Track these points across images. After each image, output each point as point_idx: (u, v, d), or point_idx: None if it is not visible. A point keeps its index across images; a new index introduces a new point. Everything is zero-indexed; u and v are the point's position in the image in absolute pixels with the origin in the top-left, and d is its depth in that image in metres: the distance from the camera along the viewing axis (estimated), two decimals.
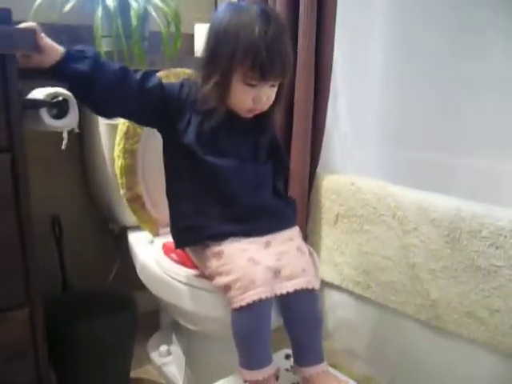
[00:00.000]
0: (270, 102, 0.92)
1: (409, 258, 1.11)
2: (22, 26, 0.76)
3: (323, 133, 1.32)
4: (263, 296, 0.80)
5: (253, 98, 0.88)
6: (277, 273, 0.84)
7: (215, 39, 0.88)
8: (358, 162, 1.47)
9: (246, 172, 0.93)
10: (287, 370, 0.95)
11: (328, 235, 1.33)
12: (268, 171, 0.98)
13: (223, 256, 0.86)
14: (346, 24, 1.38)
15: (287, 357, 1.01)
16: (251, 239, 0.89)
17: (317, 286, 0.87)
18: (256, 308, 0.81)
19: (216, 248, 0.88)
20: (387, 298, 1.18)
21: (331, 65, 1.27)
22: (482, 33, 1.60)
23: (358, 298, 1.28)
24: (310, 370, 0.87)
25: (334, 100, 1.36)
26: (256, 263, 0.84)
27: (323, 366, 0.87)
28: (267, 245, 0.90)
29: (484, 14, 1.59)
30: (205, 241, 0.90)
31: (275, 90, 0.91)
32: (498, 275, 0.96)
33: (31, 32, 0.74)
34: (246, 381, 0.85)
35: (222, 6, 0.91)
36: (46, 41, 0.79)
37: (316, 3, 1.21)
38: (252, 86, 0.87)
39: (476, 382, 1.04)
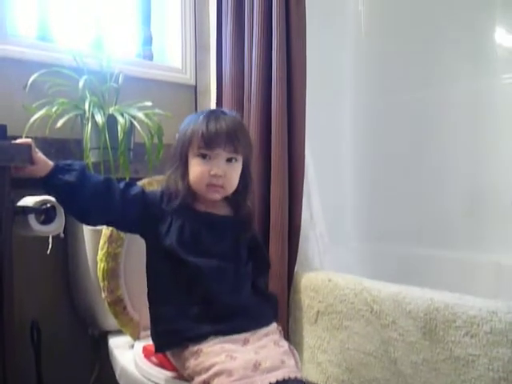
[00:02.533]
0: (232, 182, 0.97)
1: (390, 352, 1.12)
2: (19, 141, 0.83)
3: (299, 232, 1.37)
4: None
5: (209, 171, 0.94)
6: (257, 365, 0.84)
7: (175, 142, 1.00)
8: (335, 258, 1.52)
9: (226, 272, 0.95)
10: None
11: (309, 333, 1.32)
12: (248, 270, 1.01)
13: (201, 354, 0.86)
14: (316, 125, 1.50)
15: None
16: (229, 337, 0.90)
17: (299, 375, 0.87)
18: None
19: (195, 347, 0.88)
20: None
21: (303, 167, 1.36)
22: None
23: None
24: None
25: (308, 199, 1.43)
26: (233, 358, 0.84)
27: None
28: (245, 342, 0.91)
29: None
30: (184, 343, 0.90)
31: (234, 168, 0.97)
32: (476, 364, 0.97)
33: (26, 147, 0.81)
34: None
35: None
36: (39, 155, 0.86)
37: (286, 110, 1.34)
38: (204, 156, 0.94)
39: None
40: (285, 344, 0.94)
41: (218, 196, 0.97)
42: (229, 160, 0.96)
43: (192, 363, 0.87)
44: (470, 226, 1.67)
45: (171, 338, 0.92)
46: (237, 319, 0.93)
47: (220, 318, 0.92)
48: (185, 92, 1.69)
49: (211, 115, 0.97)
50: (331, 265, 1.45)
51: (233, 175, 0.97)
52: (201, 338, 0.89)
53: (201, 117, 0.97)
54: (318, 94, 1.54)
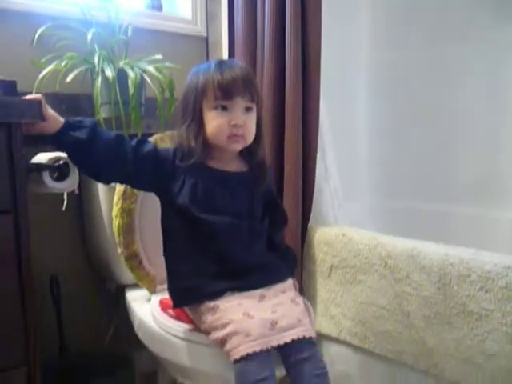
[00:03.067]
0: (251, 132, 0.95)
1: (403, 306, 1.13)
2: (28, 97, 0.82)
3: (313, 186, 1.36)
4: (257, 349, 0.82)
5: (229, 122, 0.91)
6: (273, 324, 0.85)
7: (183, 94, 0.97)
8: (349, 213, 1.51)
9: (241, 229, 0.95)
10: None
11: (323, 287, 1.34)
12: (263, 227, 1.01)
13: (218, 310, 0.88)
14: (331, 76, 1.46)
15: None
16: (245, 293, 0.91)
17: (313, 335, 0.88)
18: (253, 359, 0.81)
19: (211, 303, 0.89)
20: (384, 348, 1.18)
21: (318, 119, 1.33)
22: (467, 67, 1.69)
23: (357, 349, 1.27)
24: None
25: (323, 154, 1.41)
26: (251, 317, 0.85)
27: None
28: (261, 298, 0.92)
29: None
30: (201, 299, 0.92)
31: (252, 117, 0.95)
32: (490, 318, 0.97)
33: (37, 103, 0.80)
34: None
35: None
36: (49, 111, 0.85)
37: (301, 62, 1.29)
38: (223, 109, 0.92)
39: None
40: (301, 301, 0.95)
41: (239, 147, 0.95)
42: (246, 109, 0.94)
43: (209, 318, 0.89)
44: (486, 182, 1.64)
45: (188, 295, 0.94)
46: (252, 275, 0.94)
47: (236, 275, 0.93)
48: (196, 44, 1.64)
49: (222, 64, 0.94)
50: (345, 220, 1.44)
51: (252, 124, 0.95)
52: (217, 294, 0.90)
53: (212, 66, 0.93)
54: (334, 46, 1.48)
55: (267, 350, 0.83)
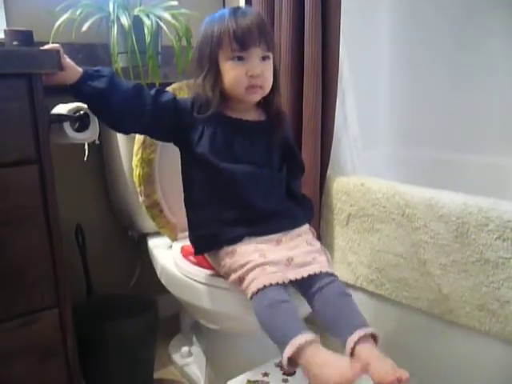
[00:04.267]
0: (269, 81, 0.94)
1: (419, 254, 1.14)
2: (47, 47, 0.82)
3: (332, 135, 1.35)
4: (273, 281, 0.83)
5: (246, 72, 0.91)
6: (289, 260, 0.88)
7: (198, 45, 0.95)
8: (368, 162, 1.51)
9: (260, 177, 0.96)
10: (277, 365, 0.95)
11: (340, 235, 1.36)
12: (281, 176, 1.02)
13: (236, 254, 0.91)
14: (352, 26, 1.41)
15: (277, 365, 1.02)
16: (262, 238, 0.93)
17: (331, 270, 0.91)
18: (269, 292, 0.83)
19: (229, 248, 0.92)
20: (400, 295, 1.21)
21: (338, 66, 1.30)
22: (489, 28, 1.62)
23: (373, 295, 1.30)
24: (356, 337, 0.78)
25: (342, 102, 1.39)
26: (267, 257, 0.88)
27: (369, 329, 0.79)
28: (278, 242, 0.94)
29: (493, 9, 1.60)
30: (221, 245, 0.94)
31: (269, 65, 0.94)
32: (507, 267, 0.98)
33: (56, 53, 0.80)
34: (290, 358, 0.75)
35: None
36: (67, 60, 0.85)
37: (320, 6, 1.25)
38: (239, 59, 0.91)
39: (490, 372, 1.06)
40: (317, 244, 0.97)
41: (257, 97, 0.95)
42: (263, 58, 0.93)
43: (228, 262, 0.91)
44: (508, 131, 1.60)
45: (208, 242, 0.96)
46: (270, 221, 0.96)
47: (253, 221, 0.95)
48: None
49: (236, 12, 0.91)
50: (363, 169, 1.44)
51: (269, 73, 0.94)
52: (236, 239, 0.93)
53: (226, 14, 0.91)
54: None
55: (283, 284, 0.85)
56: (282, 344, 0.77)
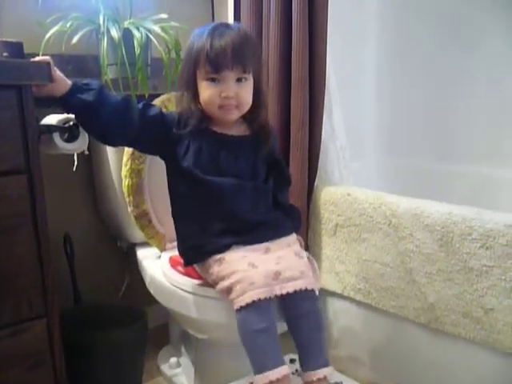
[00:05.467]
0: (245, 101, 0.96)
1: (406, 263, 1.16)
2: (37, 59, 0.83)
3: (320, 146, 1.37)
4: (262, 296, 0.85)
5: (219, 94, 0.92)
6: (277, 274, 0.89)
7: (182, 59, 0.98)
8: (355, 172, 1.53)
9: (245, 189, 0.97)
10: (293, 373, 0.99)
11: (328, 245, 1.37)
12: (268, 187, 1.03)
13: (224, 262, 0.92)
14: (339, 36, 1.44)
15: (292, 361, 1.06)
16: (251, 247, 0.94)
17: (316, 287, 0.92)
18: (255, 308, 0.85)
19: (217, 256, 0.93)
20: (387, 304, 1.22)
21: (325, 78, 1.32)
22: (480, 33, 1.65)
23: (360, 304, 1.31)
24: (315, 375, 0.89)
25: (329, 113, 1.41)
26: (255, 267, 0.89)
27: (328, 370, 0.89)
28: (266, 251, 0.95)
29: (480, 15, 1.64)
30: (209, 255, 0.95)
31: (245, 87, 0.95)
32: (490, 275, 1.00)
33: (46, 64, 0.81)
34: None
35: None
36: (57, 72, 0.86)
37: (307, 18, 1.27)
38: (213, 80, 0.92)
39: (476, 380, 1.07)
40: (304, 255, 0.98)
41: (233, 116, 0.96)
42: (239, 80, 0.94)
43: (216, 270, 0.92)
44: (492, 141, 1.64)
45: (196, 253, 0.97)
46: (258, 230, 0.97)
47: (241, 232, 0.96)
48: (201, 3, 1.61)
49: (215, 31, 0.92)
50: (351, 179, 1.46)
51: (245, 94, 0.95)
52: (223, 248, 0.94)
53: (205, 33, 0.92)
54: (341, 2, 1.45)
55: (268, 300, 0.87)
56: (256, 369, 0.86)
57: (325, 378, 0.89)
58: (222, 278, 0.90)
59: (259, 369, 0.85)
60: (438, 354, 1.14)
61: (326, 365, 0.90)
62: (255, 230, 0.97)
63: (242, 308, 0.86)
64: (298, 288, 0.89)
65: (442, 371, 1.14)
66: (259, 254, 0.94)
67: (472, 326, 1.04)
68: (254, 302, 0.85)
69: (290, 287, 0.88)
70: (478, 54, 1.65)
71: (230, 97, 0.93)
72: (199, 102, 0.96)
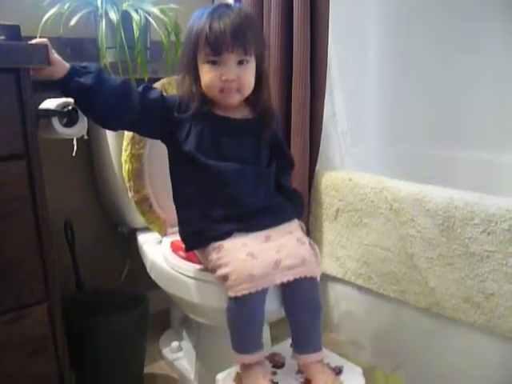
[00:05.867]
0: (247, 84, 0.94)
1: (407, 248, 1.16)
2: (34, 41, 0.81)
3: (321, 131, 1.37)
4: (257, 289, 0.85)
5: (220, 76, 0.91)
6: (277, 263, 0.88)
7: (183, 41, 0.96)
8: (356, 157, 1.52)
9: (247, 174, 0.96)
10: (292, 357, 0.99)
11: (329, 230, 1.37)
12: (270, 172, 1.02)
13: (222, 249, 0.91)
14: (341, 21, 1.42)
15: (292, 345, 1.06)
16: (251, 234, 0.93)
17: (316, 274, 0.92)
18: (249, 300, 0.86)
19: (217, 243, 0.92)
20: (388, 288, 1.22)
21: (326, 62, 1.32)
22: (478, 26, 1.64)
23: (361, 289, 1.32)
24: (305, 359, 0.91)
25: (331, 98, 1.40)
26: (255, 257, 0.88)
27: (318, 356, 0.91)
28: (267, 238, 0.94)
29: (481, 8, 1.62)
30: (210, 241, 0.94)
31: (247, 69, 0.93)
32: (491, 260, 1.00)
33: (43, 47, 0.79)
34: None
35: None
36: (55, 56, 0.84)
37: (309, 2, 1.25)
38: (213, 63, 0.90)
39: (476, 364, 1.08)
40: (306, 241, 0.97)
41: (234, 100, 0.95)
42: (240, 62, 0.92)
43: (214, 257, 0.92)
44: (495, 127, 1.62)
45: (197, 239, 0.97)
46: (259, 217, 0.96)
47: (242, 218, 0.95)
48: None
49: (214, 13, 0.90)
50: (352, 164, 1.46)
51: (246, 77, 0.93)
52: (224, 235, 0.93)
53: (204, 15, 0.90)
54: None
55: (261, 291, 0.87)
56: (234, 347, 0.91)
57: (317, 361, 0.91)
58: (220, 266, 0.90)
59: (237, 349, 0.91)
60: (438, 339, 1.15)
61: (317, 350, 0.92)
62: (256, 217, 0.96)
63: (236, 298, 0.86)
64: (298, 276, 0.88)
65: (443, 356, 1.15)
66: (260, 242, 0.93)
67: (473, 310, 1.05)
68: (250, 294, 0.85)
69: (290, 275, 0.88)
70: (480, 39, 1.63)
71: (230, 80, 0.91)
72: (200, 86, 0.94)
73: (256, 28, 0.95)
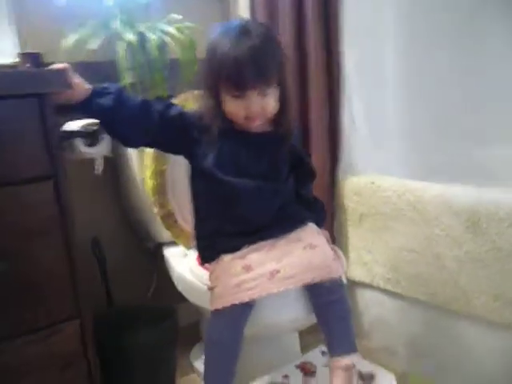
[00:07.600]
0: (270, 109, 0.93)
1: (433, 247, 1.14)
2: (55, 66, 0.85)
3: (341, 136, 1.37)
4: (235, 302, 0.87)
5: (244, 108, 0.90)
6: (274, 273, 0.89)
7: (205, 59, 0.94)
8: (379, 161, 1.51)
9: (263, 191, 0.96)
10: (325, 366, 0.99)
11: (354, 235, 1.36)
12: (288, 187, 1.02)
13: (217, 266, 0.95)
14: (358, 24, 1.43)
15: (323, 353, 1.06)
16: (255, 245, 0.94)
17: (334, 275, 0.92)
18: (227, 314, 0.88)
19: (222, 257, 0.95)
20: (417, 291, 1.20)
21: (341, 66, 1.33)
22: (492, 28, 1.62)
23: (390, 294, 1.30)
24: (336, 361, 0.90)
25: (350, 102, 1.40)
26: (251, 269, 0.90)
27: (350, 358, 0.89)
28: (270, 248, 0.94)
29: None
30: (219, 254, 0.96)
31: (270, 97, 0.92)
32: None
33: (63, 71, 0.83)
34: None
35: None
36: (77, 79, 0.87)
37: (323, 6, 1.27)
38: (237, 97, 0.90)
39: (507, 362, 1.05)
40: (320, 244, 0.96)
41: (258, 123, 0.94)
42: (263, 93, 0.91)
43: (211, 273, 0.96)
44: None
45: (210, 253, 0.99)
46: (269, 228, 0.97)
47: (253, 232, 0.96)
48: (215, 2, 1.62)
49: (236, 39, 0.87)
50: (373, 168, 1.44)
51: (270, 103, 0.92)
52: (233, 249, 0.95)
53: (226, 39, 0.88)
54: None
55: (244, 307, 0.88)
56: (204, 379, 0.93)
57: (352, 365, 0.89)
58: (211, 280, 0.94)
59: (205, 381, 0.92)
60: (473, 342, 1.12)
61: (352, 351, 0.90)
62: (266, 228, 0.97)
63: (215, 311, 0.88)
64: (303, 282, 0.90)
65: (480, 360, 1.11)
66: (262, 253, 0.93)
67: (506, 309, 1.02)
68: (224, 308, 0.87)
69: (289, 284, 0.89)
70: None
71: (254, 112, 0.91)
72: (222, 108, 0.93)
73: (277, 50, 0.93)
